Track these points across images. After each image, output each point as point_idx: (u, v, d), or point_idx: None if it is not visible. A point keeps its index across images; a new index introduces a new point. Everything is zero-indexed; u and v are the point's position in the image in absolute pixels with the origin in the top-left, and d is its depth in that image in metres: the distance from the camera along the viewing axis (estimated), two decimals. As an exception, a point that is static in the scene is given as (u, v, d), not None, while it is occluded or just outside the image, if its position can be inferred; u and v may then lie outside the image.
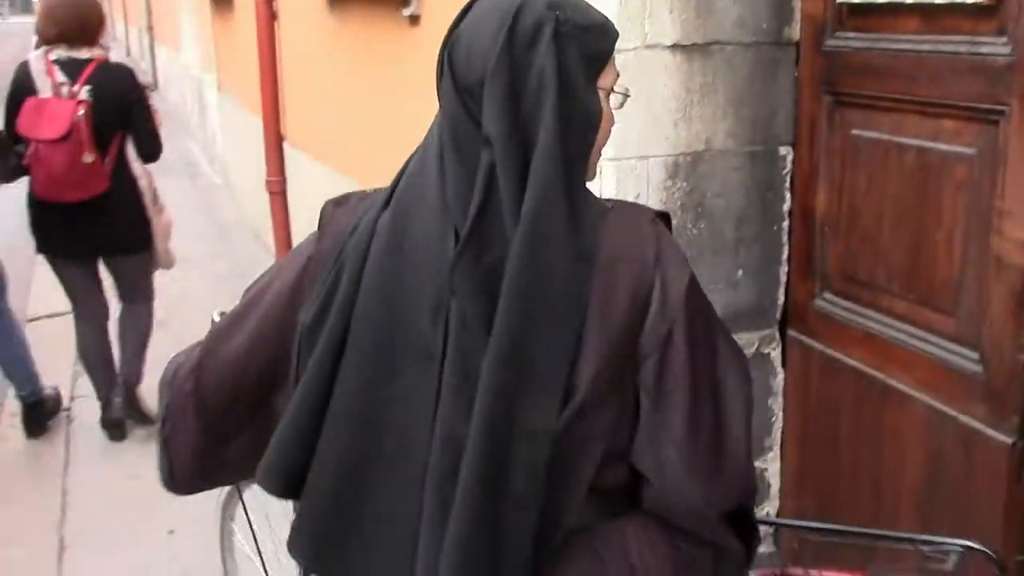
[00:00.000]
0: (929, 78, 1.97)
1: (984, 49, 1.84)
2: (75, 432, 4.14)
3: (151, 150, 3.81)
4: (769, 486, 2.58)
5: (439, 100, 1.20)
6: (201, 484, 1.47)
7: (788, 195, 2.41)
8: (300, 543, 1.23)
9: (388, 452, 1.16)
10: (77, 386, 4.48)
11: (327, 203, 1.33)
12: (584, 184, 1.17)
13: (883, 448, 2.20)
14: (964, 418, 1.97)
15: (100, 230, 3.74)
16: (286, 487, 1.24)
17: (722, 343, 1.20)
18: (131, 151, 3.75)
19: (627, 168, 2.25)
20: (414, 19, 3.46)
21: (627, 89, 1.26)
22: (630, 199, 1.99)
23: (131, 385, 4.05)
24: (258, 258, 5.72)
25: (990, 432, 1.91)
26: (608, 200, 1.21)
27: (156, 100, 4.44)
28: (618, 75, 1.23)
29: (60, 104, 3.54)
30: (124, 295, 4.03)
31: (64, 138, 3.51)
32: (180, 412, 1.36)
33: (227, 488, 2.23)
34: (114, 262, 3.93)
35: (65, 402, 4.31)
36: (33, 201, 3.74)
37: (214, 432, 1.36)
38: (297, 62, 5.46)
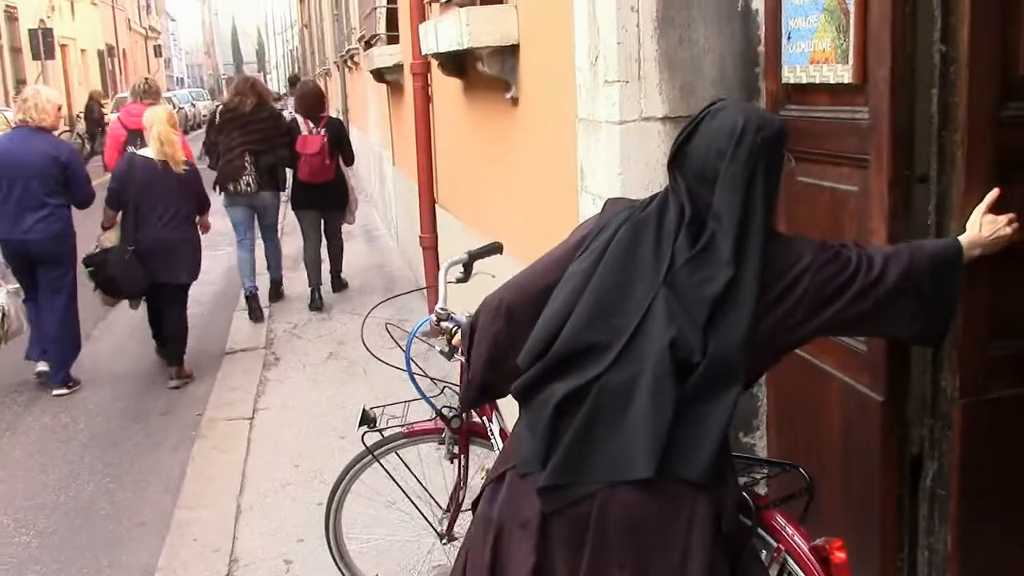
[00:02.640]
0: (833, 137, 2.71)
1: (858, 115, 2.58)
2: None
3: (349, 162, 8.31)
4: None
5: (671, 185, 2.08)
6: (483, 397, 2.36)
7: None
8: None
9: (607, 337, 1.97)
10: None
11: (608, 200, 2.24)
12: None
13: (820, 418, 2.88)
14: (859, 386, 2.65)
15: (327, 197, 8.06)
16: (535, 359, 2.04)
17: None
18: (341, 161, 8.12)
19: (631, 207, 3.06)
20: (514, 101, 4.38)
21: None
22: None
23: (335, 273, 8.56)
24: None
25: (871, 394, 2.59)
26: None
27: (350, 173, 8.58)
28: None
29: (313, 138, 7.85)
30: (328, 231, 8.32)
31: (317, 153, 7.81)
32: (489, 322, 2.23)
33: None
34: (328, 214, 8.22)
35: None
36: (297, 183, 8.03)
37: (502, 347, 2.20)
38: (444, 138, 6.50)
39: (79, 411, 6.01)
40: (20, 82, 26.97)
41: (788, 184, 2.97)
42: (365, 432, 3.17)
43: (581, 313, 2.00)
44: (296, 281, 8.67)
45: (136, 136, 6.99)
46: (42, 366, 6.42)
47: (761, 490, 2.61)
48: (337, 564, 3.38)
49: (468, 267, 3.26)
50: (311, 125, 7.88)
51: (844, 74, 2.59)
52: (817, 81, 2.74)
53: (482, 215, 5.47)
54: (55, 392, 6.27)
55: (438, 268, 6.43)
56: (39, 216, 5.95)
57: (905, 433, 2.57)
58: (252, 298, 7.81)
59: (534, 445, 1.98)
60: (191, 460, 5.04)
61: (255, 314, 7.74)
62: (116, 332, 7.80)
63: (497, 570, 2.02)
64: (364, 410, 3.16)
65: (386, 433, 3.21)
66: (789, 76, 2.91)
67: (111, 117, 17.71)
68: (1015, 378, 2.45)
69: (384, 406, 3.21)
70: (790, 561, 2.29)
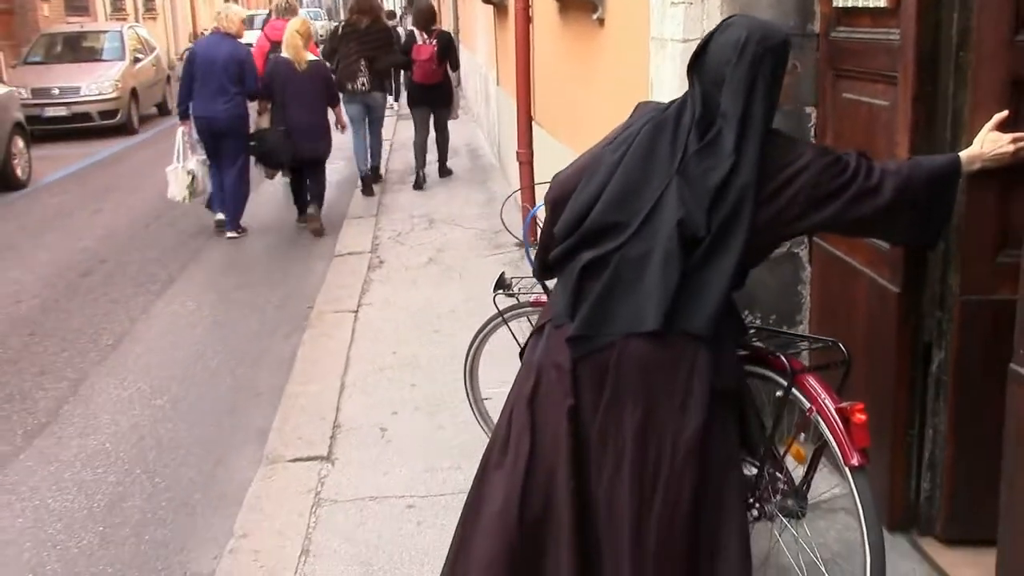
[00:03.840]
0: (871, 56, 3.00)
1: (891, 37, 2.86)
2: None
3: (455, 67, 10.00)
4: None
5: (690, 90, 2.43)
6: (546, 272, 2.79)
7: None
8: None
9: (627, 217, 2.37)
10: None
11: (638, 103, 2.62)
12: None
13: (854, 312, 3.22)
14: (880, 280, 2.98)
15: (436, 96, 9.71)
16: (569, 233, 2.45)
17: None
18: (448, 66, 9.63)
19: (691, 119, 3.39)
20: (600, 21, 4.71)
21: (795, 65, 2.47)
22: None
23: (443, 161, 10.24)
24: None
25: (890, 286, 2.92)
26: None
27: (459, 94, 10.61)
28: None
29: (426, 47, 9.46)
30: (437, 125, 9.86)
31: (428, 59, 9.43)
32: (545, 213, 2.66)
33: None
34: (437, 110, 9.79)
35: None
36: (411, 84, 9.78)
37: (549, 234, 2.60)
38: (542, 57, 6.84)
39: (204, 300, 6.69)
40: (150, 1, 28.08)
41: (834, 100, 3.29)
42: (497, 295, 3.61)
43: (607, 197, 2.39)
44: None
45: (277, 46, 8.52)
46: (220, 216, 8.45)
47: (804, 361, 2.96)
48: (474, 412, 3.98)
49: None
50: (425, 36, 9.60)
51: (881, -1, 2.88)
52: (860, 5, 3.02)
53: (572, 131, 5.83)
54: (228, 235, 8.35)
55: (533, 183, 6.92)
56: (224, 100, 7.97)
57: (919, 323, 2.90)
58: (365, 178, 9.63)
59: (565, 301, 2.41)
60: (302, 344, 5.62)
61: (367, 190, 9.56)
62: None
63: (535, 402, 2.46)
64: (502, 275, 3.60)
65: (520, 299, 3.64)
66: (840, 1, 3.18)
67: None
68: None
69: (520, 278, 3.62)
70: (819, 419, 2.62)
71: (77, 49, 16.80)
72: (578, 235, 2.42)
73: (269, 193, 9.97)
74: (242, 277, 7.31)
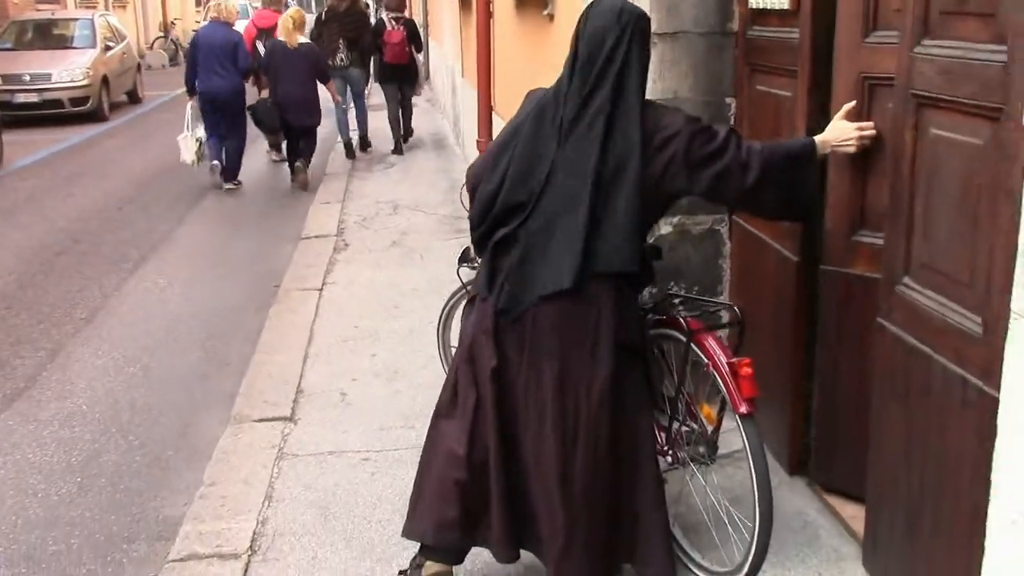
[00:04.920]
0: (778, 53, 3.37)
1: (792, 35, 3.24)
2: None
3: (420, 49, 11.50)
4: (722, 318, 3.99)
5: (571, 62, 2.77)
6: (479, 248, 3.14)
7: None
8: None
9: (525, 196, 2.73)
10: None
11: (529, 91, 2.97)
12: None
13: (764, 281, 3.59)
14: (784, 251, 3.36)
15: (403, 74, 11.24)
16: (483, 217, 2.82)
17: None
18: (413, 48, 11.08)
19: (623, 107, 3.76)
20: (551, 17, 5.07)
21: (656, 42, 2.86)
22: None
23: (407, 134, 11.69)
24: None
25: (792, 256, 3.30)
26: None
27: (422, 73, 12.30)
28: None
29: (396, 32, 10.88)
30: (403, 100, 11.35)
31: (398, 43, 10.92)
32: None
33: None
34: (404, 86, 11.33)
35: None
36: (382, 64, 11.12)
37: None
38: (501, 49, 7.19)
39: (176, 278, 6.99)
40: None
41: (750, 92, 3.67)
42: (461, 267, 3.94)
43: (508, 182, 2.75)
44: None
45: (264, 32, 10.86)
46: (216, 164, 9.91)
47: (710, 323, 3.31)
48: (443, 365, 4.31)
49: None
50: (394, 22, 11.04)
51: (785, 2, 3.25)
52: (769, 6, 3.40)
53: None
54: (226, 186, 9.93)
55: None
56: (223, 76, 9.57)
57: (814, 289, 3.28)
58: (348, 144, 11.12)
59: (484, 276, 2.79)
60: (268, 319, 5.94)
61: (349, 153, 11.08)
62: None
63: (474, 363, 2.83)
64: (466, 249, 3.92)
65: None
66: (753, 2, 3.56)
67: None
68: (874, 264, 3.01)
69: None
70: (714, 373, 2.97)
71: (48, 36, 16.96)
72: (491, 219, 2.79)
73: (247, 183, 10.26)
74: (213, 257, 7.62)
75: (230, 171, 9.97)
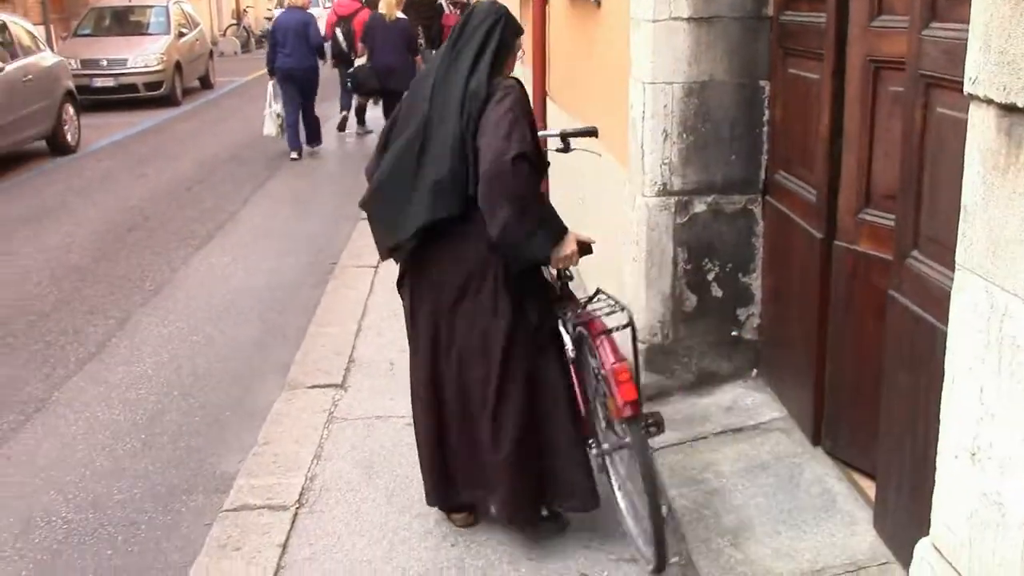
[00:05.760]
0: (808, 36, 3.48)
1: (820, 19, 3.34)
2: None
3: None
4: (754, 295, 4.12)
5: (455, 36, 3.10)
6: None
7: (766, 110, 3.94)
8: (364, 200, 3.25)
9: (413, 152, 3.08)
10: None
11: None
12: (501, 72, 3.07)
13: (792, 257, 3.71)
14: (810, 228, 3.48)
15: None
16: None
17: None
18: None
19: (659, 89, 3.90)
20: (598, 3, 5.20)
21: (522, 52, 3.16)
22: (660, 111, 3.76)
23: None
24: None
25: (816, 233, 3.41)
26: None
27: None
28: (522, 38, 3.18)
29: (453, 16, 12.81)
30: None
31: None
32: None
33: None
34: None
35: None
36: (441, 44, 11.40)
37: None
38: (556, 37, 7.34)
39: (239, 255, 7.29)
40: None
41: (783, 75, 3.78)
42: None
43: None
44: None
45: (343, 20, 12.24)
46: (294, 155, 11.11)
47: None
48: None
49: (565, 142, 3.88)
50: (452, 7, 13.21)
51: (813, -14, 3.36)
52: (800, -9, 3.51)
53: (576, 104, 6.33)
54: (312, 149, 11.42)
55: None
56: (299, 54, 10.88)
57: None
58: None
59: None
60: (324, 294, 6.19)
61: None
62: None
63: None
64: None
65: None
66: (787, -13, 3.67)
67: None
68: (875, 242, 3.13)
69: None
70: (604, 374, 3.07)
71: (124, 23, 17.50)
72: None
73: (308, 170, 10.57)
74: (275, 235, 7.91)
75: (311, 135, 11.36)
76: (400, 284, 3.43)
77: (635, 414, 2.95)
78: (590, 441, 3.29)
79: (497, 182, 2.91)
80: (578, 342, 3.23)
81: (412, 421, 3.50)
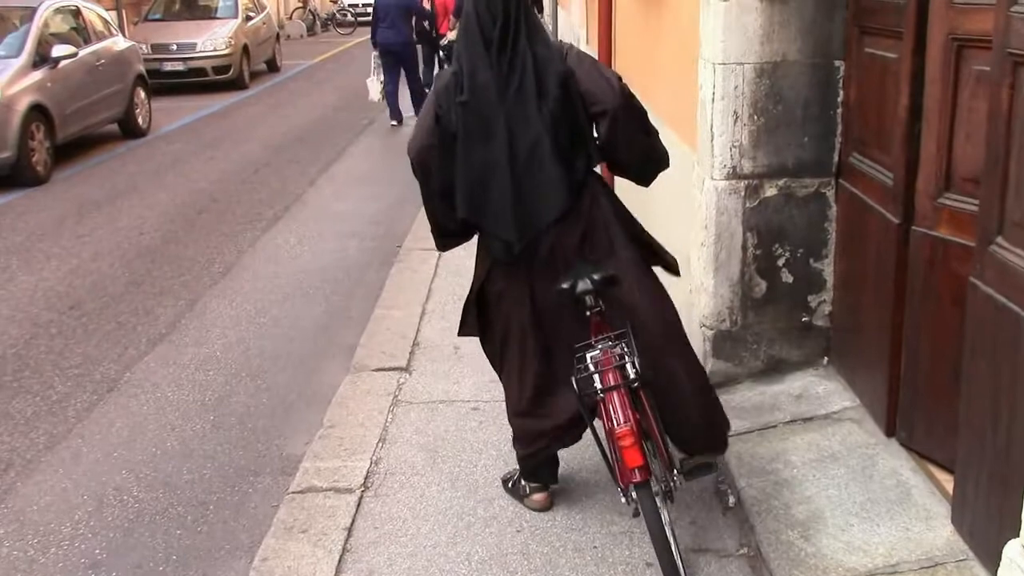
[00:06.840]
0: (886, 14, 3.37)
1: (900, -3, 3.23)
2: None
3: (540, 9, 12.15)
4: (826, 281, 4.02)
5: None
6: None
7: (841, 91, 3.83)
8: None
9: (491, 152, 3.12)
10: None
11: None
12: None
13: (867, 243, 3.61)
14: (886, 213, 3.37)
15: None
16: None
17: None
18: (536, 8, 12.48)
19: (730, 70, 3.81)
20: (665, -17, 5.11)
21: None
22: (731, 92, 3.68)
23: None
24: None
25: (893, 219, 3.31)
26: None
27: (544, 24, 10.49)
28: None
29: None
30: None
31: None
32: None
33: None
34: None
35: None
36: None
37: None
38: (622, 17, 7.25)
39: (305, 236, 7.35)
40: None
41: (858, 54, 3.67)
42: None
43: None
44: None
45: None
46: (393, 122, 12.42)
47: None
48: None
49: None
50: None
51: (892, -38, 3.25)
52: (878, -32, 3.39)
53: (645, 87, 6.24)
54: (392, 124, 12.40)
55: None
56: (396, 31, 12.11)
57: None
58: None
59: None
60: (389, 277, 6.21)
61: None
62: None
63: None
64: None
65: None
66: (864, -36, 3.55)
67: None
68: (955, 227, 3.02)
69: None
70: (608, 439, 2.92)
71: (193, 7, 17.76)
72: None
73: (374, 152, 10.62)
74: (340, 218, 7.96)
75: (417, 104, 12.08)
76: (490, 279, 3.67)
77: (643, 479, 2.78)
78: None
79: (633, 109, 3.14)
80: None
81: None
